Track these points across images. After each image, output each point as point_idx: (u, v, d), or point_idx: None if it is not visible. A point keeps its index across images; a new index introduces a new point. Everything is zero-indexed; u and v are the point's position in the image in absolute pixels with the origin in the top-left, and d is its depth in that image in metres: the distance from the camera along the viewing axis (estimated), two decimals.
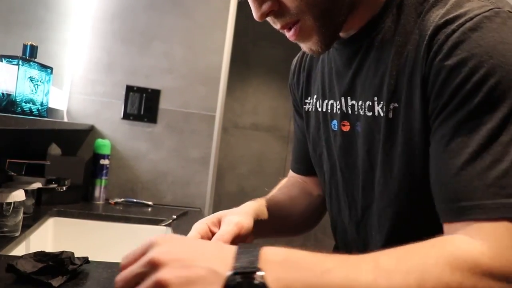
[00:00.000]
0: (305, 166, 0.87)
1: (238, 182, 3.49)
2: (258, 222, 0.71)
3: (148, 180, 1.78)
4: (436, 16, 0.54)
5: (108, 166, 1.67)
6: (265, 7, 0.57)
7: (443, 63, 0.51)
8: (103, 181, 1.64)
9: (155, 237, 0.44)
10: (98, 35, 1.74)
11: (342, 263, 0.43)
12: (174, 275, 0.39)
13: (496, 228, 0.44)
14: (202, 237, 0.66)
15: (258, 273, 0.40)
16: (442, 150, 0.51)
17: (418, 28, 0.56)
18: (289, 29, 0.59)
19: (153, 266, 0.41)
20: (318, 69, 0.76)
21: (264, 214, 0.75)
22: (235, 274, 0.40)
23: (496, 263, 0.43)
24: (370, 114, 0.62)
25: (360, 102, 0.65)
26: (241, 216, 0.68)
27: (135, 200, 1.71)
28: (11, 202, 0.98)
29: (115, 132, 1.76)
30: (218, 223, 0.68)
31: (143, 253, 0.43)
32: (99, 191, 1.63)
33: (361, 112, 0.65)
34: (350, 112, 0.67)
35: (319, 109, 0.74)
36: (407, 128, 0.57)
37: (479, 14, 0.50)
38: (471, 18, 0.50)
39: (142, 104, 1.77)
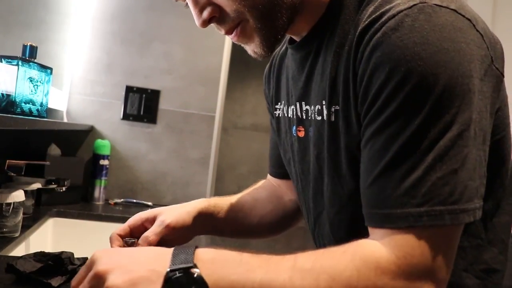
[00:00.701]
0: (279, 170, 0.86)
1: (238, 182, 3.49)
2: (203, 221, 0.76)
3: (147, 181, 1.78)
4: (365, 14, 0.52)
5: (107, 166, 1.67)
6: (206, 14, 0.57)
7: (365, 66, 0.50)
8: (103, 181, 1.65)
9: (94, 254, 0.49)
10: (97, 36, 1.74)
11: (264, 262, 0.47)
12: (121, 280, 0.44)
13: (404, 237, 0.45)
14: (132, 231, 0.73)
15: (195, 269, 0.45)
16: (365, 156, 0.51)
17: (354, 27, 0.54)
18: (231, 33, 0.59)
19: (100, 277, 0.46)
20: (284, 74, 0.75)
21: (214, 213, 0.79)
22: (173, 270, 0.45)
23: (400, 271, 0.44)
24: (319, 118, 0.61)
25: (312, 107, 0.63)
26: (176, 216, 0.73)
27: (134, 201, 1.71)
28: (10, 203, 0.98)
29: (114, 132, 1.76)
30: (153, 220, 0.73)
31: (88, 270, 0.48)
32: (99, 192, 1.63)
33: (313, 117, 0.63)
34: (304, 117, 0.66)
35: (286, 115, 0.73)
36: (347, 131, 0.55)
37: (402, 11, 0.47)
38: (393, 16, 0.48)
39: (142, 105, 1.77)
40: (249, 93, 3.44)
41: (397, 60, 0.46)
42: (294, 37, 0.66)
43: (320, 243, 0.69)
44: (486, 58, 0.50)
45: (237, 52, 2.55)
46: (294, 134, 0.69)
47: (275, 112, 0.78)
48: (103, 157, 1.65)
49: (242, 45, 0.62)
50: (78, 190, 1.55)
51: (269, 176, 0.91)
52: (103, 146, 1.66)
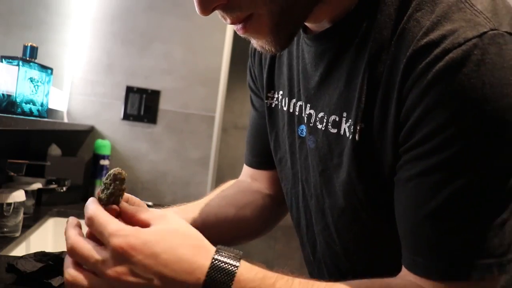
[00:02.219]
0: (261, 159, 0.76)
1: None
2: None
3: (148, 181, 1.78)
4: (419, 30, 0.44)
5: (108, 166, 1.67)
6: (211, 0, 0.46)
7: (419, 98, 0.43)
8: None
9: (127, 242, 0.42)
10: (98, 36, 1.75)
11: None
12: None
13: None
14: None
15: None
16: (405, 193, 0.46)
17: (398, 38, 0.46)
18: (240, 23, 0.48)
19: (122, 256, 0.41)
20: (284, 61, 0.64)
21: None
22: None
23: None
24: (334, 131, 0.53)
25: (321, 114, 0.55)
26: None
27: None
28: (11, 203, 0.99)
29: (115, 132, 1.76)
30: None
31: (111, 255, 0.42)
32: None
33: (320, 126, 0.55)
34: (305, 121, 0.58)
35: (285, 108, 0.64)
36: (378, 155, 0.49)
37: (470, 40, 0.40)
38: (460, 45, 0.41)
39: (142, 105, 1.78)
40: (249, 93, 3.45)
41: (461, 103, 0.41)
42: (310, 25, 0.55)
43: (318, 262, 0.65)
44: None
45: (237, 53, 2.55)
46: (302, 135, 0.60)
47: (266, 100, 0.68)
48: (104, 157, 1.65)
49: (248, 37, 0.51)
50: (79, 190, 1.56)
51: (244, 171, 0.81)
52: (104, 146, 1.66)
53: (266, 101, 0.68)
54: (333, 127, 0.53)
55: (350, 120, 0.51)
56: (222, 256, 0.42)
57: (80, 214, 1.57)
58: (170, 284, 0.41)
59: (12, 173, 1.21)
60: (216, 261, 0.42)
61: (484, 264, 0.42)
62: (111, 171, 0.48)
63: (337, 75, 0.53)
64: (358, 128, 0.49)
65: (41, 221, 1.25)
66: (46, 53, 1.40)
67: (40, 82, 1.10)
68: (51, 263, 0.70)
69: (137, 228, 0.43)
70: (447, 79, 0.41)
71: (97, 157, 1.65)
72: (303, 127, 0.60)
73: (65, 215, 1.40)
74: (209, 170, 1.85)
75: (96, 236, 0.44)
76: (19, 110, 1.01)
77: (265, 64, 0.68)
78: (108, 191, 0.47)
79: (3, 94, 0.97)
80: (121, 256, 0.41)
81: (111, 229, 0.42)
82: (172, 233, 0.43)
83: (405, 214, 0.47)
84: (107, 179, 0.48)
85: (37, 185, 1.24)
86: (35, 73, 1.07)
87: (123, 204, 0.48)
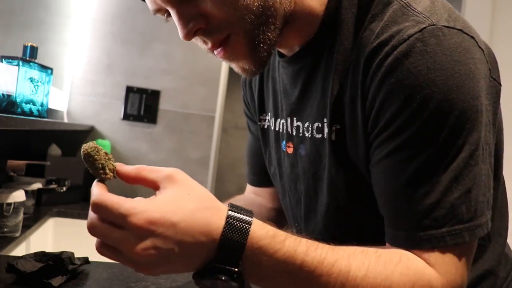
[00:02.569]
0: (261, 177, 0.82)
1: (238, 182, 3.49)
2: None
3: None
4: (372, 35, 0.51)
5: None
6: (191, 25, 0.51)
7: (376, 91, 0.49)
8: None
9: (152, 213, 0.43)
10: (98, 36, 1.75)
11: (318, 265, 0.46)
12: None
13: (437, 256, 0.48)
14: None
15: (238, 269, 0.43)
16: (378, 176, 0.52)
17: (357, 46, 0.53)
18: (219, 46, 0.54)
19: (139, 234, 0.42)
20: (269, 86, 0.71)
21: None
22: (214, 271, 0.43)
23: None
24: (319, 136, 0.59)
25: (306, 124, 0.61)
26: None
27: None
28: (11, 203, 0.99)
29: (115, 132, 1.76)
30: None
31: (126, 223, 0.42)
32: None
33: (307, 134, 0.61)
34: (294, 133, 0.64)
35: (272, 128, 0.71)
36: (353, 149, 0.55)
37: (412, 35, 0.47)
38: (404, 40, 0.48)
39: (142, 105, 1.78)
40: None
41: (412, 88, 0.47)
42: (282, 50, 0.63)
43: None
44: (487, 72, 0.51)
45: None
46: (284, 149, 0.67)
47: (259, 123, 0.75)
48: None
49: (228, 62, 0.57)
50: (79, 190, 1.56)
51: (248, 188, 0.87)
52: (104, 146, 1.66)
53: (259, 123, 0.75)
54: (317, 133, 0.59)
55: (326, 124, 0.57)
56: (235, 215, 0.44)
57: (81, 214, 1.57)
58: (189, 250, 0.42)
59: (12, 173, 1.21)
60: (230, 220, 0.44)
61: (455, 230, 0.47)
62: (83, 152, 0.46)
63: (314, 87, 0.59)
64: (333, 129, 0.56)
65: (41, 221, 1.25)
66: (46, 53, 1.40)
67: (40, 82, 1.10)
68: (51, 263, 0.70)
69: (150, 200, 0.44)
70: (397, 70, 0.48)
71: None
72: (284, 142, 0.67)
73: (65, 215, 1.40)
74: (209, 170, 1.85)
75: (108, 220, 0.43)
76: (19, 110, 1.01)
77: (255, 89, 0.75)
78: (100, 167, 0.46)
79: (3, 94, 0.97)
80: (142, 233, 0.41)
81: (125, 209, 0.42)
82: (186, 199, 0.44)
83: (383, 193, 0.52)
84: (88, 161, 0.46)
85: (37, 185, 1.24)
86: (35, 73, 1.07)
87: (122, 168, 0.48)
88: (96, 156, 0.45)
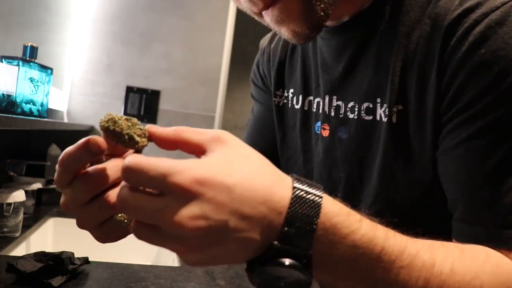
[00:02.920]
0: (265, 157, 0.70)
1: None
2: None
3: None
4: (453, 2, 0.45)
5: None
6: None
7: (462, 63, 0.43)
8: None
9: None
10: (98, 36, 1.75)
11: (399, 256, 0.36)
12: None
13: None
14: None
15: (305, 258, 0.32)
16: (454, 161, 0.45)
17: (428, 15, 0.47)
18: (268, 6, 0.47)
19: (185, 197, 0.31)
20: (297, 59, 0.64)
21: None
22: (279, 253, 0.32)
23: None
24: (369, 118, 0.53)
25: (351, 104, 0.55)
26: None
27: None
28: (11, 203, 0.99)
29: None
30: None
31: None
32: None
33: (351, 115, 0.55)
34: (333, 114, 0.57)
35: (296, 107, 0.63)
36: (417, 134, 0.48)
37: (507, 2, 0.42)
38: (497, 7, 0.42)
39: (142, 105, 1.78)
40: (249, 93, 3.46)
41: (507, 60, 0.41)
42: (327, 22, 0.54)
43: None
44: None
45: (237, 53, 2.55)
46: (318, 132, 0.59)
47: (275, 98, 0.67)
48: None
49: (278, 27, 0.49)
50: None
51: None
52: None
53: (274, 99, 0.67)
54: (367, 114, 0.53)
55: (385, 105, 0.51)
56: (303, 185, 0.33)
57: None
58: (247, 225, 0.31)
59: (12, 173, 1.21)
60: (298, 191, 0.33)
61: None
62: (102, 129, 0.37)
63: (364, 62, 0.53)
64: (394, 110, 0.50)
65: (41, 221, 1.25)
66: (46, 53, 1.41)
67: (40, 82, 1.10)
68: (51, 263, 0.70)
69: (196, 159, 0.34)
70: (489, 39, 0.42)
71: None
72: (319, 123, 0.59)
73: (65, 215, 1.40)
74: None
75: (145, 186, 0.32)
76: (19, 110, 1.01)
77: (274, 63, 0.67)
78: (127, 138, 0.36)
79: (3, 94, 0.97)
80: (188, 195, 0.30)
81: (165, 167, 0.32)
82: (241, 161, 0.33)
83: (458, 184, 0.45)
84: (112, 137, 0.37)
85: (37, 185, 1.24)
86: (35, 73, 1.07)
87: (157, 130, 0.37)
88: (116, 129, 0.36)
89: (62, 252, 0.73)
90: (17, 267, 0.68)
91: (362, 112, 0.53)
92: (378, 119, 0.52)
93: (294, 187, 0.33)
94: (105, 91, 1.76)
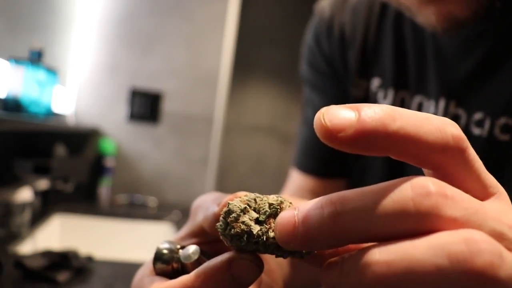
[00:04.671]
0: (330, 165, 0.56)
1: (239, 181, 3.52)
2: None
3: (151, 179, 1.81)
4: None
5: (112, 166, 1.70)
6: None
7: None
8: (108, 180, 1.68)
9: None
10: (103, 39, 1.77)
11: None
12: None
13: None
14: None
15: None
16: None
17: None
18: None
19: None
20: (385, 41, 0.51)
21: None
22: None
23: None
24: (505, 138, 0.39)
25: (478, 116, 0.41)
26: None
27: (138, 199, 1.74)
28: (18, 201, 1.01)
29: (119, 133, 1.79)
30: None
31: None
32: (104, 190, 1.67)
33: (478, 132, 0.41)
34: None
35: (383, 100, 0.51)
36: None
37: None
38: None
39: (146, 106, 1.80)
40: (249, 95, 3.47)
41: None
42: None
43: None
44: None
45: (239, 55, 2.56)
46: None
47: (354, 87, 0.53)
48: (109, 156, 1.68)
49: (422, 4, 0.37)
50: (84, 188, 1.59)
51: (298, 180, 0.58)
52: (108, 146, 1.69)
53: (353, 88, 0.53)
54: (503, 132, 0.40)
55: None
56: None
57: (86, 212, 1.59)
58: None
59: (19, 173, 1.23)
60: None
61: None
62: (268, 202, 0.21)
63: (508, 69, 0.40)
64: None
65: (47, 219, 1.27)
66: (52, 55, 1.43)
67: (47, 83, 1.12)
68: (56, 260, 0.72)
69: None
70: None
71: (102, 156, 1.68)
72: None
73: (71, 213, 1.43)
74: (211, 169, 1.87)
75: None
76: (25, 111, 1.03)
77: (353, 42, 0.53)
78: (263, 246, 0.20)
79: (10, 96, 1.00)
80: None
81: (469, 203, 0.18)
82: None
83: None
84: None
85: (44, 184, 1.27)
86: (42, 74, 1.09)
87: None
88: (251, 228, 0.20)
89: (67, 250, 0.75)
90: (24, 264, 0.70)
91: (496, 130, 0.40)
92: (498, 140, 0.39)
93: None
94: (110, 93, 1.79)
